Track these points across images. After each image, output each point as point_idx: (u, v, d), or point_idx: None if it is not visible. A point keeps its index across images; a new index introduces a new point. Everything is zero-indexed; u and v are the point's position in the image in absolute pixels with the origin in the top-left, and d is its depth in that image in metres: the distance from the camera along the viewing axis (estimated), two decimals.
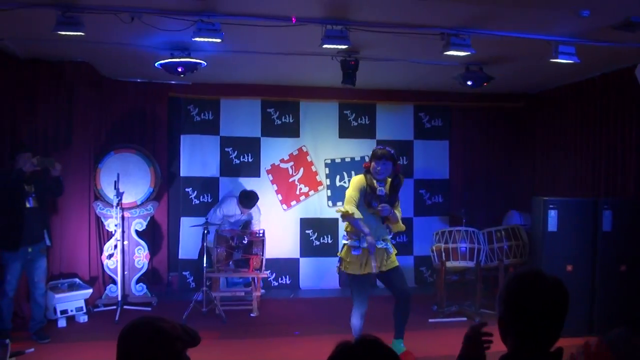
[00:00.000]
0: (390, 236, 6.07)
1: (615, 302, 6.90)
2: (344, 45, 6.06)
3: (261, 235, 8.13)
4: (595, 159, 8.34)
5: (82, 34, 5.50)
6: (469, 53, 6.22)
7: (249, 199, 8.63)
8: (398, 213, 5.95)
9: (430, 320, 7.66)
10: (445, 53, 6.22)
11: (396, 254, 6.05)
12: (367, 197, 5.78)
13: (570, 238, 7.01)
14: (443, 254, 7.77)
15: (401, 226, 6.01)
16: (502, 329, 2.26)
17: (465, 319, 7.71)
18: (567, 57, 6.28)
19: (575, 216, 7.07)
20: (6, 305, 6.51)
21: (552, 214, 7.01)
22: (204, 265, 7.80)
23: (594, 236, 7.06)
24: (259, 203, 8.85)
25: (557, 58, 6.29)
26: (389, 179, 5.94)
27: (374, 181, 5.81)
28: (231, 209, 8.70)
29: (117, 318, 7.47)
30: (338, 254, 6.08)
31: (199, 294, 7.79)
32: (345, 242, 5.93)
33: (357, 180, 5.93)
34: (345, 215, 5.77)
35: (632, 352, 2.78)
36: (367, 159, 9.79)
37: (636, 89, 7.00)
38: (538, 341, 2.16)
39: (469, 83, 7.77)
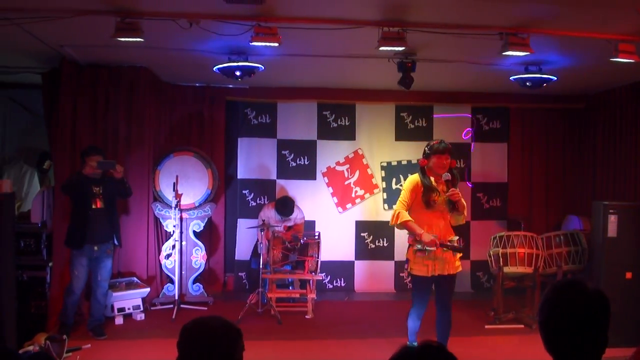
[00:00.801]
0: (457, 238, 5.72)
1: None
2: (401, 47, 6.01)
3: (317, 237, 8.16)
4: None
5: (141, 39, 5.62)
6: (527, 53, 6.11)
7: (285, 206, 8.72)
8: (463, 201, 5.63)
9: (486, 326, 7.54)
10: (504, 53, 6.13)
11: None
12: (424, 196, 5.54)
13: (630, 244, 6.82)
14: (501, 259, 7.65)
15: (464, 218, 5.75)
16: (544, 339, 2.22)
17: (522, 326, 7.57)
18: (628, 56, 6.11)
19: (636, 221, 6.87)
20: (72, 302, 6.75)
21: (612, 219, 6.84)
22: (260, 266, 7.87)
23: None
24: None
25: (617, 57, 6.12)
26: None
27: (432, 178, 5.59)
28: (269, 214, 8.76)
29: (173, 316, 7.60)
30: (406, 256, 5.79)
31: (251, 298, 7.85)
32: (411, 243, 5.69)
33: (410, 182, 5.72)
34: (394, 220, 5.64)
35: None
36: None
37: None
38: (579, 352, 2.11)
39: (528, 84, 7.65)
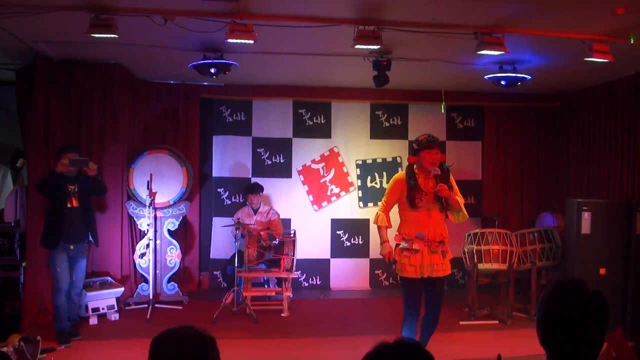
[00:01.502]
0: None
1: None
2: (376, 45, 6.04)
3: (292, 235, 8.15)
4: (629, 160, 8.18)
5: (116, 36, 5.58)
6: (502, 52, 6.16)
7: (251, 188, 8.75)
8: (460, 199, 5.41)
9: (461, 322, 7.59)
10: (479, 52, 6.17)
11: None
12: (410, 194, 5.30)
13: (603, 241, 6.94)
14: (475, 256, 7.70)
15: (464, 215, 5.47)
16: (540, 334, 2.22)
17: (496, 322, 7.64)
18: (602, 55, 6.19)
19: (609, 218, 6.99)
20: (62, 304, 6.60)
21: (586, 216, 6.93)
22: (235, 264, 7.83)
23: (627, 239, 6.97)
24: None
25: (591, 57, 6.20)
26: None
27: (419, 176, 5.34)
28: (244, 213, 8.73)
29: (148, 316, 7.54)
30: (393, 256, 5.50)
31: (227, 297, 7.80)
32: (398, 243, 5.47)
33: (393, 181, 5.53)
34: (374, 221, 5.60)
35: None
36: (398, 160, 9.86)
37: None
38: (574, 351, 2.13)
39: (503, 83, 7.70)
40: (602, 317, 2.14)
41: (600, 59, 6.22)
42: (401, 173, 5.56)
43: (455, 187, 5.49)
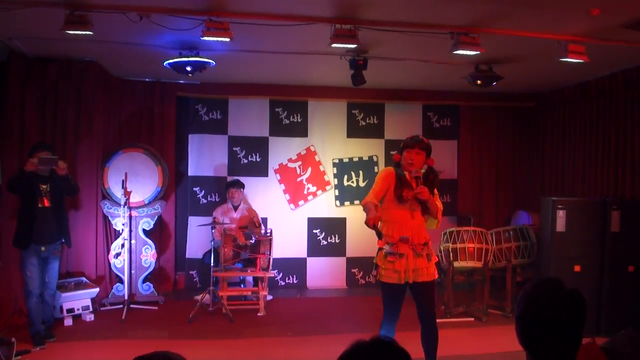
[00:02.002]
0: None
1: (623, 303, 6.89)
2: (353, 44, 6.04)
3: (269, 234, 8.12)
4: (604, 159, 8.30)
5: (91, 33, 5.51)
6: (478, 52, 6.20)
7: (234, 182, 8.74)
8: (439, 203, 5.15)
9: (437, 320, 7.60)
10: (455, 52, 6.20)
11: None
12: (397, 191, 5.04)
13: (578, 238, 7.00)
14: (451, 254, 7.75)
15: (437, 222, 5.19)
16: (519, 332, 2.25)
17: (472, 319, 7.70)
18: (577, 56, 6.26)
19: (584, 216, 7.06)
20: (34, 306, 6.48)
21: (561, 214, 7.00)
22: (211, 264, 7.79)
23: (602, 237, 7.05)
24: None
25: (566, 57, 6.26)
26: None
27: (405, 174, 5.10)
28: (224, 209, 8.69)
29: (123, 317, 7.47)
30: (374, 261, 5.23)
31: (203, 296, 7.77)
32: (381, 247, 5.15)
33: (383, 173, 5.22)
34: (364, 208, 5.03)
35: (638, 353, 2.78)
36: (375, 159, 9.89)
37: None
38: (553, 349, 2.14)
39: (478, 82, 7.74)
40: (580, 315, 2.16)
41: (576, 59, 6.29)
42: (389, 167, 5.29)
43: (437, 193, 5.26)
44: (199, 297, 7.74)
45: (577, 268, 6.94)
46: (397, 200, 5.03)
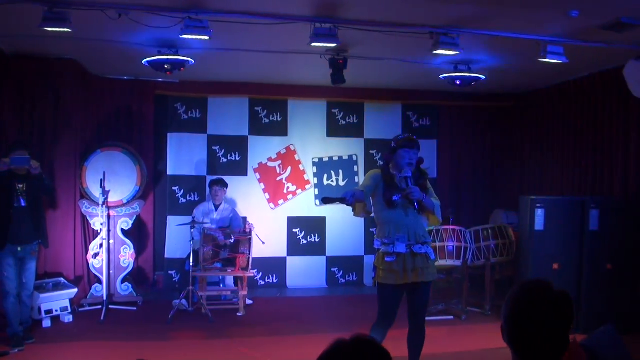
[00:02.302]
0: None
1: (601, 301, 6.95)
2: (333, 43, 6.04)
3: (248, 234, 8.08)
4: (582, 159, 8.39)
5: (69, 30, 5.45)
6: (457, 52, 6.23)
7: (218, 181, 8.68)
8: (435, 200, 5.02)
9: None
10: (434, 52, 6.22)
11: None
12: (386, 193, 4.88)
13: (557, 237, 7.06)
14: None
15: (437, 218, 5.06)
16: (506, 333, 2.21)
17: (452, 317, 7.74)
18: (556, 57, 6.32)
19: (562, 215, 7.12)
20: (11, 307, 6.39)
21: (539, 212, 7.05)
22: (191, 265, 7.74)
23: (580, 235, 7.11)
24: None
25: (545, 58, 6.32)
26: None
27: (395, 175, 4.93)
28: (205, 208, 8.64)
29: (102, 318, 7.41)
30: (374, 263, 5.11)
31: (180, 300, 7.70)
32: (378, 247, 4.99)
33: (370, 173, 5.11)
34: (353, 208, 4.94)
35: (617, 350, 2.80)
36: (354, 158, 9.90)
37: (623, 90, 7.04)
38: (542, 351, 2.11)
39: (457, 82, 7.80)
40: (568, 317, 2.15)
41: (554, 60, 6.34)
42: (375, 169, 5.17)
43: (432, 190, 5.11)
44: (176, 302, 7.66)
45: (555, 266, 7.00)
46: (387, 204, 4.89)
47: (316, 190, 9.94)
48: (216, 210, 8.60)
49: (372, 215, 5.13)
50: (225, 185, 8.71)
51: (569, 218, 7.13)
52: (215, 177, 9.01)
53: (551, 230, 7.04)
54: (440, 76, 7.93)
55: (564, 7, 5.40)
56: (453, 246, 7.66)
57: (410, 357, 5.11)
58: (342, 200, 4.61)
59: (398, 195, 4.84)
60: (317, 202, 9.88)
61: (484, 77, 7.87)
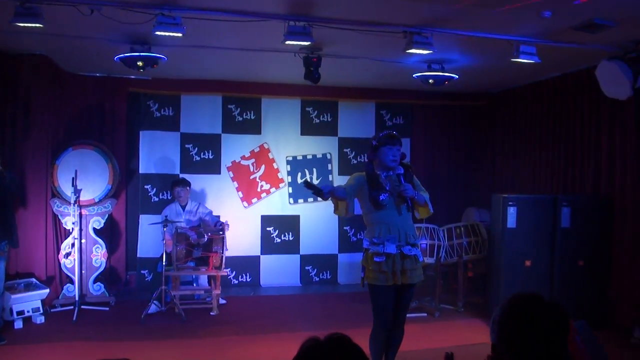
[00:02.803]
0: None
1: (573, 297, 7.05)
2: (307, 41, 6.02)
3: (222, 233, 8.04)
4: (554, 157, 8.50)
5: (41, 25, 5.37)
6: (430, 52, 6.26)
7: (180, 181, 8.62)
8: (425, 194, 5.01)
9: None
10: (408, 51, 6.24)
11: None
12: (372, 193, 4.80)
13: (529, 234, 7.15)
14: None
15: (429, 210, 5.03)
16: (495, 355, 2.12)
17: (425, 314, 7.78)
18: (528, 57, 6.38)
19: (534, 213, 7.22)
20: None
21: (511, 210, 7.12)
22: (163, 265, 7.67)
23: (552, 232, 7.22)
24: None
25: (518, 58, 6.37)
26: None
27: (380, 175, 4.90)
28: (172, 210, 8.52)
29: (74, 318, 7.32)
30: (361, 263, 5.03)
31: (152, 302, 7.61)
32: (367, 247, 4.92)
33: (355, 175, 5.02)
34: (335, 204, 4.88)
35: (590, 345, 2.85)
36: (328, 157, 9.91)
37: (595, 90, 7.13)
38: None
39: (431, 81, 7.84)
40: (563, 330, 2.08)
41: (527, 60, 6.41)
42: (360, 172, 5.05)
43: (419, 183, 5.14)
44: (152, 308, 7.61)
45: (527, 263, 7.09)
46: (375, 206, 4.82)
47: (290, 188, 9.93)
48: (183, 210, 8.52)
49: (349, 216, 5.02)
50: (188, 184, 8.62)
51: (541, 216, 7.23)
52: (181, 177, 8.97)
53: (523, 228, 7.12)
54: (413, 75, 7.97)
55: (537, 8, 5.45)
56: (426, 244, 7.71)
57: (387, 354, 5.11)
58: (319, 192, 4.54)
59: (385, 195, 4.79)
60: (291, 200, 9.88)
61: (457, 77, 7.92)
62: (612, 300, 7.28)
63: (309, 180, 4.69)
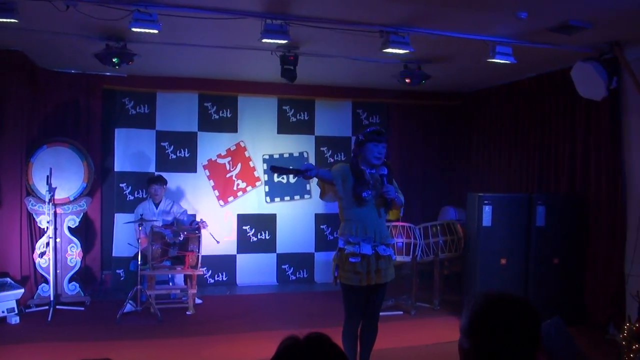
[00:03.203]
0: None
1: (548, 294, 7.13)
2: (284, 40, 6.01)
3: (197, 232, 7.99)
4: (530, 157, 8.59)
5: (16, 21, 5.32)
6: (407, 51, 6.28)
7: (155, 178, 8.52)
8: (401, 196, 4.97)
9: None
10: (384, 50, 6.26)
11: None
12: (357, 187, 4.76)
13: (504, 233, 7.21)
14: None
15: (399, 214, 5.03)
16: (465, 353, 2.03)
17: (401, 312, 7.82)
18: (504, 57, 6.43)
19: (509, 211, 7.27)
20: None
21: (487, 209, 7.17)
22: (138, 265, 7.60)
23: (527, 231, 7.29)
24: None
25: (494, 58, 6.43)
26: None
27: (364, 171, 4.86)
28: (146, 208, 8.44)
29: (49, 318, 7.23)
30: (333, 262, 4.97)
31: (127, 301, 7.52)
32: (342, 247, 4.86)
33: (339, 165, 4.99)
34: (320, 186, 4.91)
35: (565, 341, 2.88)
36: (305, 155, 9.90)
37: (570, 90, 7.22)
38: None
39: (407, 81, 7.86)
40: (536, 325, 2.03)
41: (503, 60, 6.47)
42: (344, 162, 5.00)
43: (397, 185, 5.08)
44: (128, 308, 7.54)
45: (503, 261, 7.15)
46: (356, 202, 4.78)
47: (266, 187, 9.91)
48: (157, 208, 8.46)
49: (337, 200, 4.97)
50: (165, 182, 8.55)
51: (516, 214, 7.29)
52: (157, 174, 8.88)
53: (498, 226, 7.18)
54: (390, 74, 7.99)
55: (513, 9, 5.50)
56: (402, 242, 7.74)
57: (362, 353, 5.12)
58: (297, 172, 4.53)
59: (368, 192, 4.76)
60: (268, 199, 9.87)
61: (434, 76, 7.96)
62: (587, 298, 7.38)
63: (276, 165, 4.60)
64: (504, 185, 9.11)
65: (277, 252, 9.91)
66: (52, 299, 7.56)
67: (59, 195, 7.94)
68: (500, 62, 6.54)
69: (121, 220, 9.09)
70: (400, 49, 6.20)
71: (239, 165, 9.80)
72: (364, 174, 4.84)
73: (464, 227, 7.96)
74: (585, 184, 7.57)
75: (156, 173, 9.14)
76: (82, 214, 8.32)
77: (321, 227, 10.03)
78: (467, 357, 1.98)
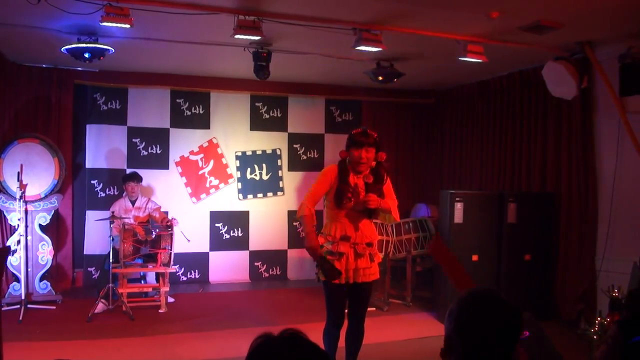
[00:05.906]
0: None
1: (519, 291, 7.21)
2: (256, 36, 6.02)
3: (170, 229, 7.93)
4: (501, 154, 8.67)
5: None
6: (379, 49, 6.31)
7: (131, 176, 8.42)
8: (391, 202, 4.91)
9: None
10: (357, 48, 6.28)
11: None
12: (339, 191, 4.73)
13: (476, 229, 7.27)
14: None
15: (393, 218, 4.95)
16: (448, 347, 2.07)
17: (374, 309, 7.83)
18: (476, 56, 6.49)
19: (481, 208, 7.34)
20: None
21: (459, 206, 7.22)
22: (110, 262, 7.52)
23: (499, 228, 7.37)
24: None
25: (465, 57, 6.48)
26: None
27: (351, 174, 4.82)
28: (121, 206, 8.35)
29: (20, 318, 7.12)
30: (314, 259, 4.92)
31: (99, 300, 7.45)
32: (321, 245, 4.84)
33: (326, 171, 4.91)
34: (298, 213, 4.92)
35: (537, 335, 2.92)
36: (278, 152, 9.89)
37: (541, 89, 7.32)
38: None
39: (380, 78, 7.88)
40: (518, 324, 2.05)
41: (474, 59, 6.54)
42: (333, 165, 4.93)
43: (391, 190, 5.02)
44: (99, 307, 7.46)
45: (474, 257, 7.21)
46: (337, 204, 4.75)
47: (239, 184, 9.88)
48: (133, 206, 8.39)
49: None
50: (140, 179, 8.48)
51: (488, 211, 7.37)
52: (130, 171, 8.79)
53: (470, 223, 7.24)
54: (363, 72, 8.01)
55: (485, 9, 5.55)
56: None
57: (347, 353, 5.10)
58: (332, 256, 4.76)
59: (348, 199, 4.72)
60: (240, 196, 9.86)
61: (406, 74, 7.99)
62: (558, 294, 7.49)
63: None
64: (477, 182, 9.19)
65: (250, 249, 9.89)
66: (23, 298, 7.44)
67: (30, 192, 7.80)
68: (472, 61, 6.60)
69: (92, 218, 8.99)
70: (372, 46, 6.23)
71: (212, 162, 9.75)
72: (347, 177, 4.80)
73: (436, 224, 8.02)
74: (556, 181, 7.67)
75: (128, 170, 9.04)
76: (53, 211, 8.21)
77: (294, 224, 10.02)
78: (446, 342, 2.04)
